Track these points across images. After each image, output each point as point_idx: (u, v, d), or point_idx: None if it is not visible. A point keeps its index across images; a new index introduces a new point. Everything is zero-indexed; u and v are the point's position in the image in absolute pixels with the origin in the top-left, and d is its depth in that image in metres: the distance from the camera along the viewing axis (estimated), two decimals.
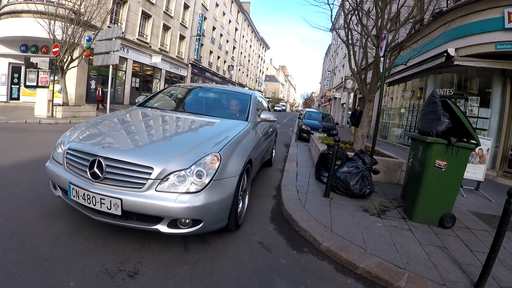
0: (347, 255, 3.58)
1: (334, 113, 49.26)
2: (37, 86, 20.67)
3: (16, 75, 21.98)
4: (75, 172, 3.29)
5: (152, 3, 27.89)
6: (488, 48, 10.57)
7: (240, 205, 4.15)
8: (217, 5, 45.29)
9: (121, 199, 2.95)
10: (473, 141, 4.76)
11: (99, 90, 20.94)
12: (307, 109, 27.59)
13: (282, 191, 5.69)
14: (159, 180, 3.03)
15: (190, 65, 37.82)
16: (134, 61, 26.44)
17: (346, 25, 9.26)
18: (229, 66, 55.32)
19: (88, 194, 3.06)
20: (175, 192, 3.03)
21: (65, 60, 15.84)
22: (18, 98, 22.03)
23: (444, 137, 4.69)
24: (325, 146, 8.04)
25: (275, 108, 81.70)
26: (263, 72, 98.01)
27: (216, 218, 3.39)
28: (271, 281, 3.06)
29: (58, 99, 15.65)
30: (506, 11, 9.79)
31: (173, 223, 3.11)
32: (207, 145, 3.51)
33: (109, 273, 2.82)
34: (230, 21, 53.33)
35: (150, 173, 3.02)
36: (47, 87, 19.59)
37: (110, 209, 3.00)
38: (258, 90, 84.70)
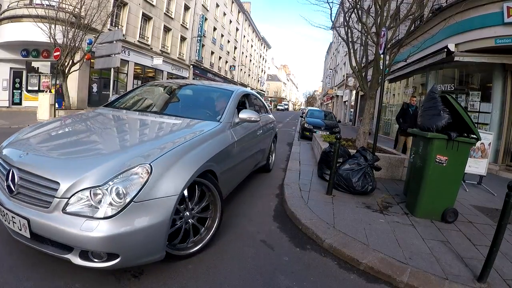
0: (350, 251, 3.60)
1: (336, 111, 49.25)
2: (39, 91, 20.72)
3: (17, 80, 22.03)
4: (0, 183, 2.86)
5: (153, 5, 27.92)
6: (488, 43, 10.56)
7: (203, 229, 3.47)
8: (217, 5, 45.30)
9: (28, 220, 2.46)
10: (474, 136, 4.77)
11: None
12: (310, 108, 27.62)
13: (285, 190, 5.72)
14: (66, 199, 2.43)
15: (191, 66, 37.83)
16: (136, 64, 26.48)
17: (346, 23, 9.27)
18: (230, 66, 55.32)
19: (3, 210, 2.65)
20: (83, 215, 2.42)
21: (66, 64, 15.92)
22: (20, 103, 22.09)
23: (444, 133, 4.70)
24: (327, 144, 8.05)
25: (278, 107, 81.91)
26: (265, 72, 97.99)
27: (144, 250, 2.66)
28: (275, 278, 3.09)
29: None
30: (505, 5, 9.79)
31: (84, 254, 2.49)
32: (138, 154, 2.80)
33: (114, 274, 2.85)
34: (230, 22, 53.34)
35: (56, 190, 2.45)
36: (49, 91, 19.69)
37: (20, 230, 2.54)
38: (260, 90, 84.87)
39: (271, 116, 7.64)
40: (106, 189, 2.46)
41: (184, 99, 5.36)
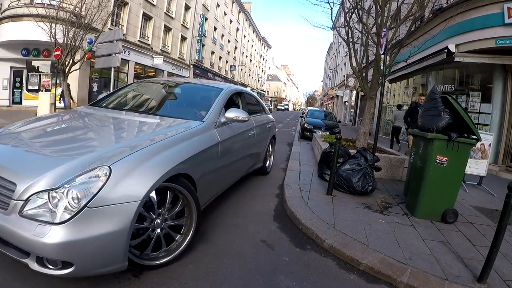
0: (350, 251, 3.61)
1: (336, 112, 49.26)
2: (39, 90, 20.71)
3: (18, 79, 22.03)
4: None
5: (153, 5, 27.95)
6: (489, 44, 10.58)
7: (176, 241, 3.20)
8: (218, 5, 45.33)
9: None
10: (474, 136, 4.77)
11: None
12: (310, 108, 27.64)
13: (285, 190, 5.72)
14: (22, 202, 2.30)
15: (192, 66, 37.84)
16: (136, 63, 26.50)
17: (346, 24, 9.27)
18: (231, 66, 55.34)
19: None
20: (40, 220, 2.27)
21: (66, 63, 15.94)
22: (20, 102, 22.08)
23: (444, 133, 4.70)
24: (327, 144, 8.06)
25: (278, 107, 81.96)
26: (265, 72, 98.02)
27: (101, 260, 2.44)
28: (275, 278, 3.09)
29: (60, 103, 15.74)
30: (505, 6, 9.80)
31: (40, 260, 2.34)
32: (101, 155, 2.62)
33: (114, 273, 2.84)
34: (231, 21, 53.37)
35: (13, 191, 2.34)
36: (49, 90, 19.69)
37: None
38: (261, 90, 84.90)
39: (269, 116, 7.31)
40: (62, 192, 2.30)
41: (170, 97, 5.15)
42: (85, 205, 2.28)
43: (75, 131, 3.65)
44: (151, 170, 2.72)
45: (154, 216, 2.89)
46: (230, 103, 5.09)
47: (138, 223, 2.69)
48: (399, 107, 16.07)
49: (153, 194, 2.81)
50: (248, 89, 6.61)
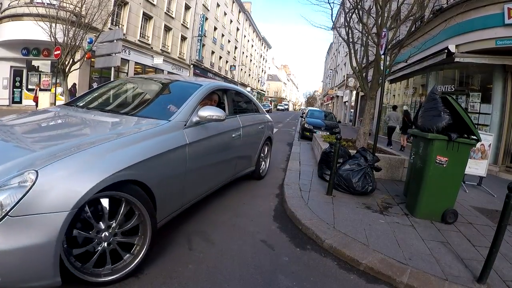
0: (350, 251, 3.61)
1: (336, 112, 49.27)
2: (39, 90, 20.70)
3: (18, 78, 22.07)
4: None
5: (153, 4, 27.96)
6: (489, 44, 10.58)
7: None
8: (218, 5, 45.35)
9: None
10: (474, 137, 4.77)
11: (36, 90, 20.43)
12: (310, 108, 27.66)
13: (285, 190, 5.72)
14: None
15: (192, 65, 37.86)
16: (136, 63, 26.52)
17: (346, 24, 9.27)
18: (231, 66, 55.36)
19: None
20: None
21: (66, 62, 15.93)
22: (20, 102, 22.11)
23: (444, 133, 4.71)
24: (327, 144, 8.06)
25: (278, 107, 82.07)
26: (265, 72, 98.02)
27: (26, 274, 2.16)
28: (275, 278, 3.09)
29: (61, 102, 15.72)
30: (506, 7, 9.81)
31: None
32: (35, 158, 2.34)
33: None
34: (231, 21, 53.40)
35: None
36: (49, 90, 19.70)
37: None
38: (261, 90, 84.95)
39: (264, 116, 6.81)
40: None
41: (144, 95, 4.80)
42: (6, 214, 2.04)
43: (23, 132, 3.36)
44: (87, 175, 2.34)
45: (102, 227, 2.56)
46: (219, 102, 5.09)
47: (84, 231, 2.45)
48: (394, 108, 16.51)
49: (105, 202, 2.52)
50: (242, 88, 6.36)
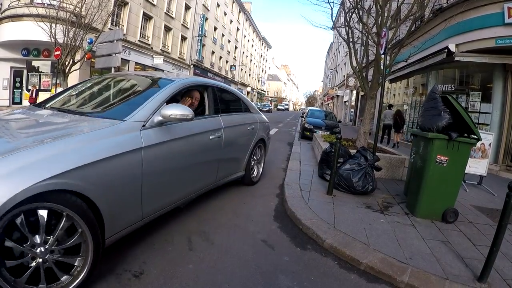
0: (351, 251, 3.61)
1: (337, 111, 49.26)
2: (39, 90, 20.70)
3: (18, 79, 22.06)
4: None
5: (153, 5, 27.95)
6: (489, 44, 10.58)
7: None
8: (218, 5, 45.35)
9: None
10: (474, 136, 4.77)
11: (32, 91, 20.30)
12: (310, 108, 27.64)
13: (285, 190, 5.72)
14: None
15: (192, 66, 37.85)
16: (136, 63, 26.49)
17: (346, 23, 9.27)
18: (231, 66, 55.36)
19: None
20: None
21: (67, 63, 15.95)
22: (20, 102, 22.07)
23: (445, 133, 4.70)
24: (327, 144, 8.05)
25: (278, 107, 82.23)
26: (265, 72, 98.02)
27: None
28: (275, 278, 3.09)
29: None
30: (506, 6, 9.80)
31: None
32: None
33: (114, 273, 2.85)
34: (231, 21, 53.40)
35: None
36: (49, 90, 19.69)
37: None
38: (261, 90, 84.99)
39: (255, 116, 6.28)
40: None
41: (110, 93, 4.29)
42: None
43: None
44: (4, 184, 2.02)
45: (38, 242, 2.25)
46: (201, 100, 4.63)
47: (18, 243, 2.19)
48: (390, 106, 16.98)
49: (44, 213, 2.22)
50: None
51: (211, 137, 4.34)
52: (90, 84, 4.57)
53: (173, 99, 4.18)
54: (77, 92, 4.38)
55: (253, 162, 6.20)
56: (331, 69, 61.97)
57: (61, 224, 2.32)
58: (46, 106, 3.88)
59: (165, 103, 3.53)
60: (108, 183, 2.66)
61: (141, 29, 26.72)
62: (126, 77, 4.85)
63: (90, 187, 2.46)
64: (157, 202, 3.43)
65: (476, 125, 6.27)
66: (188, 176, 4.01)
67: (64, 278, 2.43)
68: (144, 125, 3.15)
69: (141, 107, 3.29)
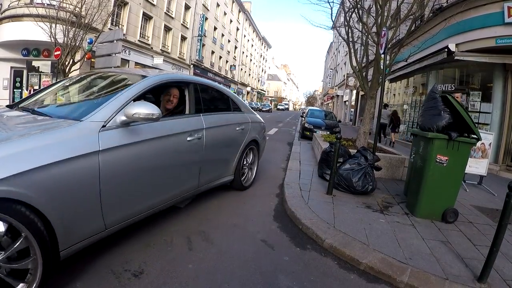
0: (350, 251, 3.61)
1: (337, 111, 49.28)
2: (33, 91, 20.65)
3: (18, 79, 22.02)
4: None
5: (153, 5, 27.93)
6: (489, 43, 10.57)
7: None
8: (218, 5, 45.35)
9: None
10: (474, 136, 4.77)
11: (30, 91, 20.13)
12: (310, 108, 27.67)
13: (285, 189, 5.72)
14: None
15: (192, 65, 37.83)
16: (136, 63, 26.45)
17: (346, 23, 9.28)
18: (231, 66, 55.35)
19: None
20: None
21: (67, 63, 15.92)
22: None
23: (445, 132, 4.70)
24: (327, 144, 8.05)
25: (278, 107, 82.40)
26: (265, 71, 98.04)
27: None
28: (275, 278, 3.09)
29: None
30: (505, 5, 9.79)
31: None
32: None
33: (114, 273, 2.85)
34: (231, 21, 53.39)
35: None
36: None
37: None
38: (261, 89, 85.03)
39: (247, 115, 5.87)
40: None
41: (81, 91, 4.03)
42: None
43: None
44: None
45: None
46: (169, 95, 4.24)
47: None
48: (385, 106, 17.53)
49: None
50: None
51: (189, 139, 3.96)
52: (69, 82, 4.32)
53: (154, 98, 4.28)
54: (51, 90, 4.11)
55: (245, 165, 5.84)
56: (331, 69, 62.00)
57: (4, 236, 2.12)
58: (20, 106, 3.64)
59: (133, 101, 3.18)
60: (58, 191, 2.38)
61: (141, 29, 26.69)
62: (103, 74, 4.45)
63: (36, 195, 2.21)
64: (123, 211, 3.09)
65: (476, 124, 6.26)
66: (161, 181, 3.60)
67: (19, 287, 2.23)
68: (104, 126, 2.83)
69: (102, 106, 2.98)
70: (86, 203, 2.64)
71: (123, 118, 2.96)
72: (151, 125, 3.32)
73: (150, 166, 3.33)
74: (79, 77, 4.40)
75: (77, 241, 2.63)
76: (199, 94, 4.51)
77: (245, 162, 5.80)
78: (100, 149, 2.69)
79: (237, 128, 5.33)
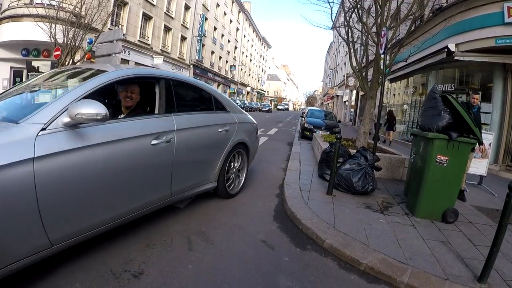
0: (350, 251, 3.60)
1: (337, 111, 49.28)
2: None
3: (18, 79, 22.00)
4: None
5: (153, 5, 27.95)
6: (489, 43, 10.57)
7: None
8: (218, 5, 45.37)
9: None
10: (474, 136, 4.77)
11: None
12: (310, 108, 27.66)
13: (285, 190, 5.71)
14: None
15: (192, 66, 37.85)
16: (136, 63, 26.40)
17: (346, 23, 9.28)
18: (231, 66, 55.34)
19: None
20: None
21: (66, 63, 15.90)
22: None
23: (445, 133, 4.70)
24: (327, 144, 8.05)
25: (278, 107, 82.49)
26: (265, 71, 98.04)
27: None
28: (275, 278, 3.08)
29: None
30: (505, 5, 9.79)
31: None
32: None
33: (114, 273, 2.85)
34: (231, 21, 53.41)
35: None
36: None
37: None
38: (261, 89, 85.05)
39: (232, 116, 5.30)
40: None
41: (37, 89, 3.67)
42: None
43: None
44: None
45: None
46: (126, 92, 3.76)
47: None
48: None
49: None
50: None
51: (154, 142, 3.44)
52: (36, 81, 3.88)
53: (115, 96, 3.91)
54: (16, 88, 3.74)
55: (230, 171, 5.29)
56: (331, 69, 62.01)
57: None
58: None
59: (81, 100, 2.72)
60: None
61: (140, 29, 26.71)
62: (69, 71, 3.99)
63: None
64: (72, 226, 2.70)
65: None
66: (117, 192, 3.10)
67: None
68: (44, 129, 2.46)
69: (44, 106, 2.61)
70: (22, 217, 2.29)
71: (67, 119, 2.58)
72: (105, 127, 2.91)
73: (100, 175, 2.86)
74: (43, 75, 4.01)
75: (16, 260, 2.30)
76: (171, 91, 3.99)
77: (231, 167, 5.29)
78: (35, 155, 2.32)
79: (219, 130, 4.77)
